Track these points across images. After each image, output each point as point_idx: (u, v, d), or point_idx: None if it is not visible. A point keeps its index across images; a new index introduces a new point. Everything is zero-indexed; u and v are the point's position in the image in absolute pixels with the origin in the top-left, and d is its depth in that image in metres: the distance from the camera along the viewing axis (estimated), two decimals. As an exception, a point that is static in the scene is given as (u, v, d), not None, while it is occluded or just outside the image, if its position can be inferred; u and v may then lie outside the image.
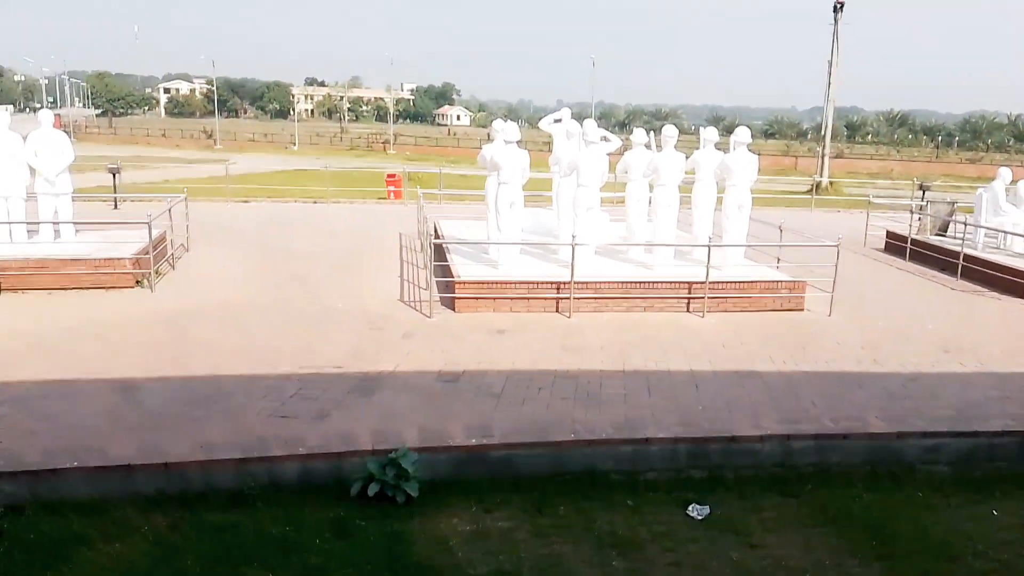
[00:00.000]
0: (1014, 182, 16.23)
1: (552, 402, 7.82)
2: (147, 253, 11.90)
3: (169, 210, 13.80)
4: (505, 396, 7.92)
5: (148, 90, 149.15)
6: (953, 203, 19.19)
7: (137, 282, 11.85)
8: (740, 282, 11.90)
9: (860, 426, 7.50)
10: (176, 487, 6.30)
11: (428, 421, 7.21)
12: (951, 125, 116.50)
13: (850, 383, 8.75)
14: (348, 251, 15.37)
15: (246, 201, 23.38)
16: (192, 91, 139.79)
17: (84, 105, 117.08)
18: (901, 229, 18.00)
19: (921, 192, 23.84)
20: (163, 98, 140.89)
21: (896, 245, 17.72)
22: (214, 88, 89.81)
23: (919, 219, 18.17)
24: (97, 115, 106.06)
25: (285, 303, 11.28)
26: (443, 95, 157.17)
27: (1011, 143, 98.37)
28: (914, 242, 17.04)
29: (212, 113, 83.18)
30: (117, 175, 20.15)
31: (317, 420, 7.16)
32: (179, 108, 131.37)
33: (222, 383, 8.00)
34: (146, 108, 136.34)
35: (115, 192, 19.81)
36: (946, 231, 17.92)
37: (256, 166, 39.24)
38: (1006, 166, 17.62)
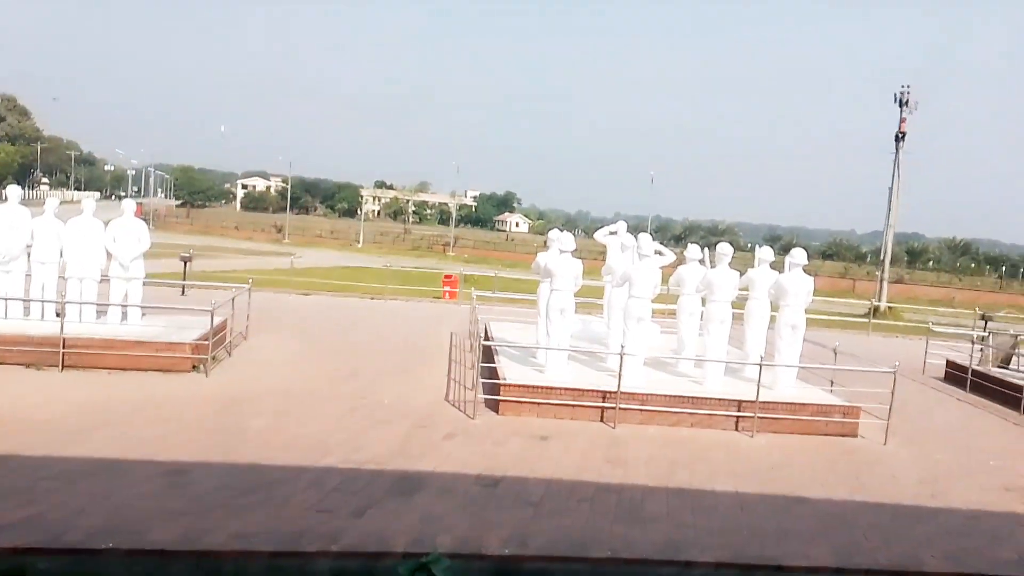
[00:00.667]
0: (1083, 317, 15.73)
1: (592, 516, 7.67)
2: (207, 339, 12.31)
3: (232, 299, 14.33)
4: (544, 506, 7.81)
5: (227, 185, 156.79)
6: (1016, 335, 18.62)
7: (194, 367, 12.22)
8: (792, 403, 11.64)
9: (916, 564, 7.13)
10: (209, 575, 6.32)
11: (463, 526, 7.14)
12: (1016, 256, 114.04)
13: (906, 517, 8.37)
14: (400, 348, 15.62)
15: (307, 294, 24.09)
16: (268, 188, 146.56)
17: (166, 196, 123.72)
18: (962, 359, 17.47)
19: (983, 322, 23.23)
20: (240, 193, 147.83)
21: (956, 375, 17.16)
22: (288, 186, 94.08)
23: (981, 350, 17.64)
24: (177, 206, 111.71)
25: (335, 395, 11.46)
26: (504, 202, 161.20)
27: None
28: (975, 373, 16.49)
29: (284, 209, 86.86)
30: (188, 263, 21.10)
31: (354, 517, 7.16)
32: (254, 203, 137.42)
33: (267, 472, 8.10)
34: (223, 201, 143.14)
35: (184, 279, 20.69)
36: (1009, 363, 17.32)
37: (321, 260, 40.60)
38: (1074, 300, 17.15)
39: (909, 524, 8.18)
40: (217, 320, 12.95)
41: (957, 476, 10.07)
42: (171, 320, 13.63)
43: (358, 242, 68.34)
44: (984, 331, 20.68)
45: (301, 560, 6.49)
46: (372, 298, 24.59)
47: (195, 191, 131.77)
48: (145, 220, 18.84)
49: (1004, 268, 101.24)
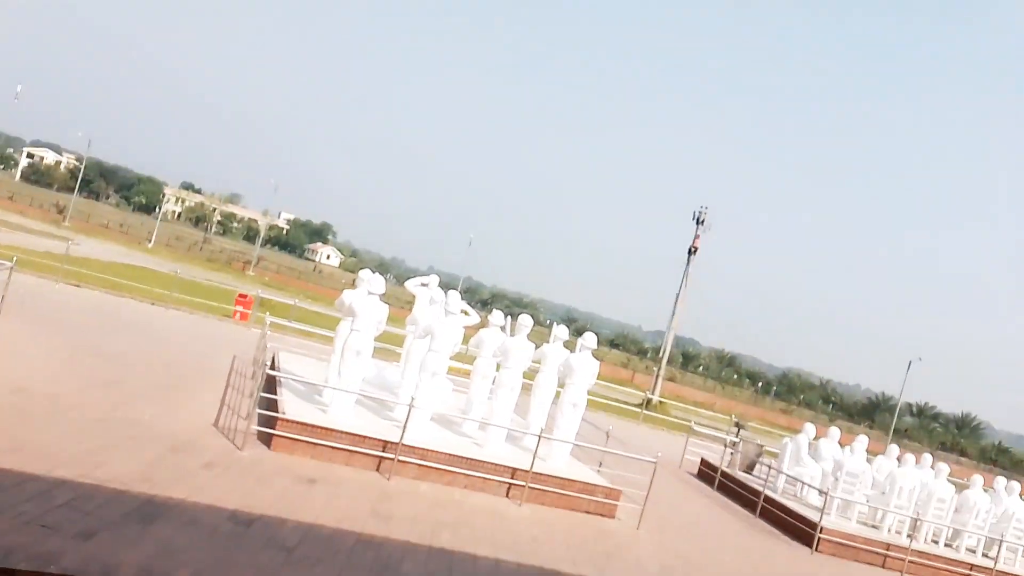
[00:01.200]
0: (816, 438, 17.80)
1: (346, 568, 7.38)
2: (-56, 314, 10.74)
3: (-13, 275, 12.67)
4: (297, 552, 7.42)
5: (10, 150, 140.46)
6: (761, 445, 20.67)
7: (-80, 343, 10.58)
8: (562, 478, 12.05)
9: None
10: None
11: (205, 564, 6.60)
12: (771, 376, 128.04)
13: (644, 601, 8.84)
14: (173, 363, 14.48)
15: (77, 286, 21.82)
16: (57, 163, 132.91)
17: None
18: (714, 459, 19.10)
19: (736, 429, 25.62)
20: (24, 162, 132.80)
21: (707, 473, 18.71)
22: (82, 165, 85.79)
23: (731, 454, 19.39)
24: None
25: (84, 402, 10.32)
26: (318, 232, 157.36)
27: (819, 403, 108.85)
28: (723, 474, 18.06)
29: (72, 189, 78.87)
30: (-60, 225, 18.44)
31: (81, 538, 6.39)
32: (38, 176, 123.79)
33: (-18, 476, 7.07)
34: (1, 167, 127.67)
35: (-69, 242, 18.05)
36: (752, 470, 19.16)
37: (102, 253, 37.03)
38: (812, 423, 19.38)
39: (646, 608, 8.65)
40: (-38, 295, 11.36)
41: (694, 568, 10.83)
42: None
43: (149, 241, 63.33)
44: (736, 437, 22.77)
45: (5, 581, 5.67)
46: (152, 303, 22.74)
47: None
48: None
49: (760, 384, 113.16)
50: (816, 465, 17.13)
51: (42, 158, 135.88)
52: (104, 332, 15.58)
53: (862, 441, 16.71)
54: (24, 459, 7.72)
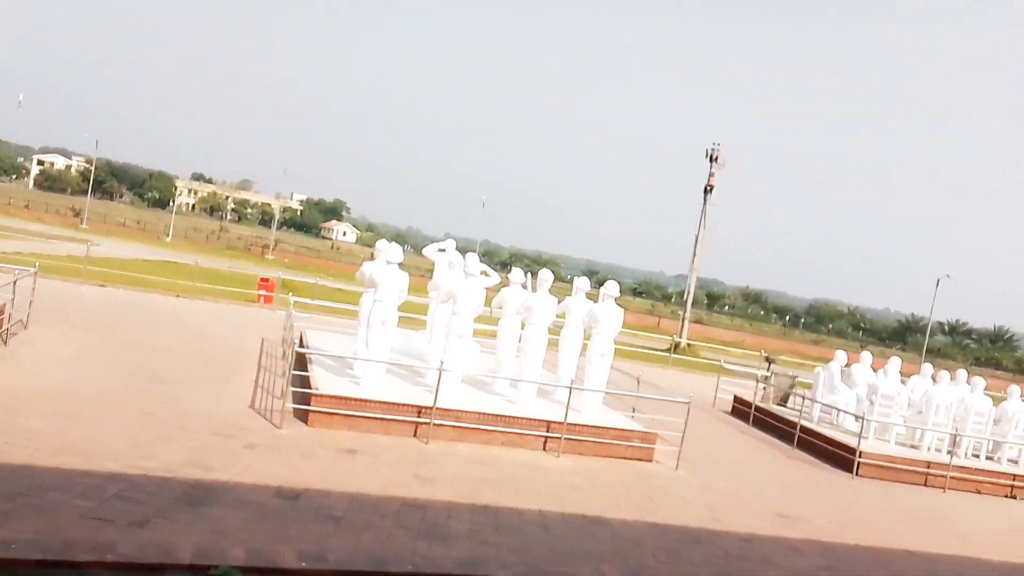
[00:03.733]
0: (848, 365, 17.75)
1: (394, 532, 7.54)
2: (-22, 325, 10.94)
3: (14, 283, 12.85)
4: (346, 521, 7.58)
5: (21, 159, 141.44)
6: (794, 377, 20.67)
7: (-41, 354, 10.81)
8: (596, 427, 12.17)
9: (695, 582, 7.63)
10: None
11: (258, 540, 6.77)
12: (799, 308, 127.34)
13: (690, 540, 8.95)
14: (205, 351, 14.69)
15: (102, 285, 22.10)
16: (68, 167, 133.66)
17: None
18: (747, 396, 19.13)
19: (767, 363, 25.59)
20: (35, 170, 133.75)
21: (742, 410, 18.76)
22: (92, 167, 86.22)
23: (764, 388, 19.41)
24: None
25: (127, 398, 10.53)
26: (333, 210, 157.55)
27: (849, 330, 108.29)
28: (758, 409, 18.10)
29: (86, 192, 79.39)
30: (-38, 239, 18.70)
31: (135, 526, 6.57)
32: (50, 183, 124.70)
33: (38, 476, 7.26)
34: (14, 177, 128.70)
35: (-44, 256, 18.32)
36: (786, 402, 19.19)
37: (122, 251, 37.39)
38: (843, 350, 19.30)
39: (693, 545, 8.76)
40: (-8, 304, 11.57)
41: (737, 503, 10.94)
42: (-66, 300, 11.99)
43: (167, 236, 63.80)
44: (768, 371, 22.75)
45: (71, 571, 5.85)
46: (177, 296, 23.01)
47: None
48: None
49: (788, 318, 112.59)
50: (850, 391, 17.11)
51: (52, 164, 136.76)
52: (134, 328, 15.82)
53: (895, 363, 16.63)
54: (75, 457, 7.92)
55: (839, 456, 14.72)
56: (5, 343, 12.25)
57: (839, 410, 16.64)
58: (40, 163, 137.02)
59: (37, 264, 14.55)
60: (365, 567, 6.65)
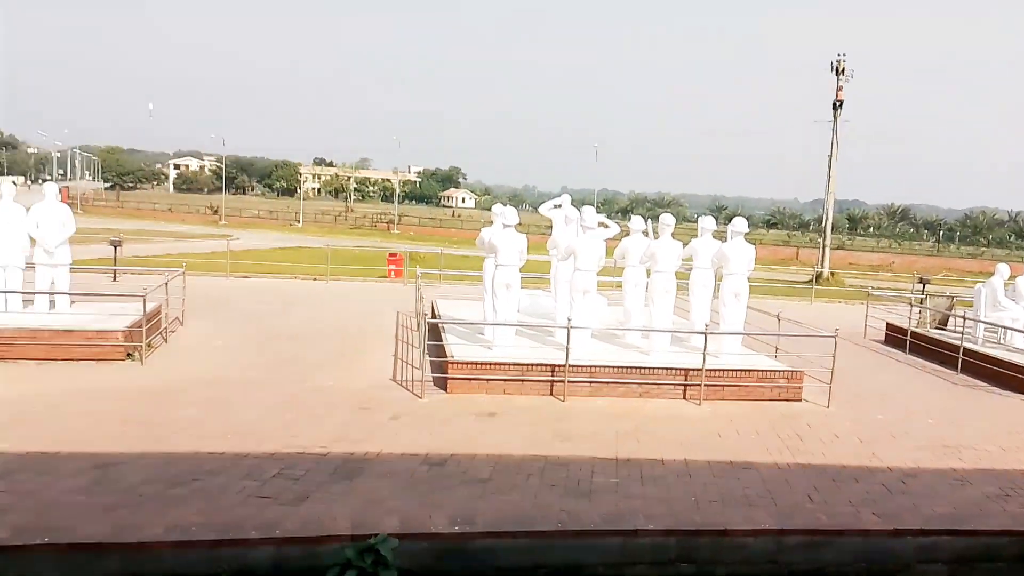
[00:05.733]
0: (1012, 278, 16.28)
1: (540, 491, 7.61)
2: (140, 326, 11.85)
3: (166, 284, 13.83)
4: (492, 483, 7.72)
5: (158, 166, 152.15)
6: (952, 297, 19.21)
7: (128, 355, 11.77)
8: (737, 370, 11.77)
9: (855, 522, 7.26)
10: (147, 569, 6.08)
11: (410, 508, 7.00)
12: (952, 220, 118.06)
13: (847, 478, 8.52)
14: (344, 330, 15.33)
15: (246, 277, 23.51)
16: (201, 168, 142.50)
17: (94, 179, 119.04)
18: (901, 322, 17.95)
19: (921, 285, 23.92)
20: (172, 174, 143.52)
21: (896, 338, 17.64)
22: (223, 165, 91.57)
23: (919, 312, 18.15)
24: (106, 189, 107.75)
25: (275, 381, 11.15)
26: (449, 178, 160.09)
27: (1011, 239, 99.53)
28: (914, 335, 16.96)
29: (220, 190, 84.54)
30: (118, 247, 20.34)
31: (296, 503, 6.95)
32: (187, 184, 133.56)
33: (203, 461, 7.82)
34: (155, 183, 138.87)
35: (115, 264, 19.95)
36: (946, 325, 17.87)
37: (259, 243, 39.63)
38: (1005, 262, 17.72)
39: (849, 483, 8.33)
40: (150, 306, 12.50)
41: (896, 435, 10.31)
42: (102, 307, 13.09)
43: (298, 222, 67.03)
44: (922, 294, 21.28)
45: (242, 549, 6.28)
46: (314, 279, 24.12)
47: (124, 173, 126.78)
48: (72, 204, 18.05)
49: (941, 233, 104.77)
50: (1017, 306, 15.73)
51: (187, 166, 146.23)
52: (278, 314, 16.71)
53: (1067, 271, 15.10)
54: (235, 441, 8.48)
55: (1008, 377, 13.58)
56: (166, 340, 13.25)
57: (1005, 328, 15.33)
58: (176, 167, 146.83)
59: (184, 264, 15.60)
60: (514, 527, 6.74)
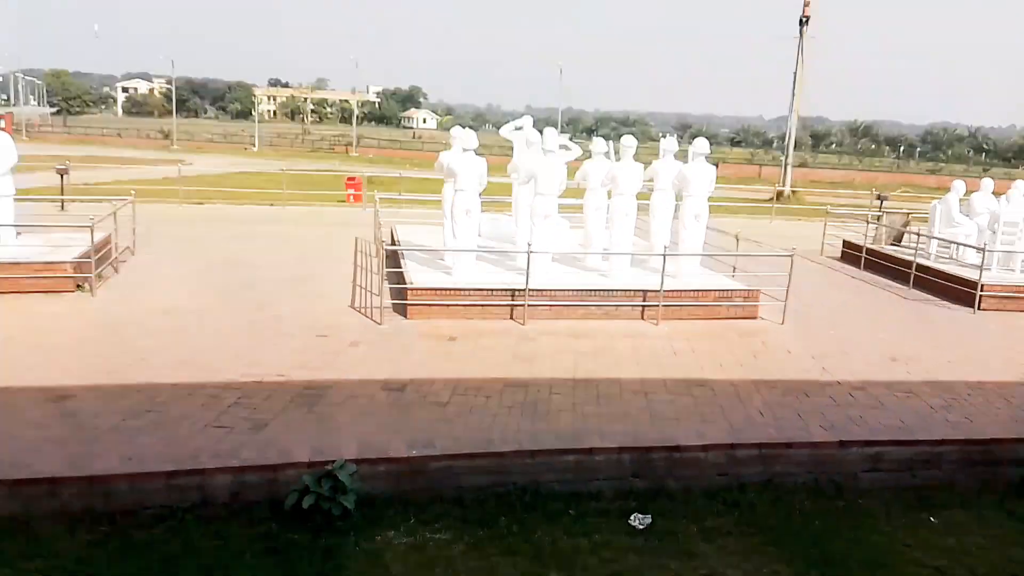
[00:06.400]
0: (968, 194, 16.53)
1: (499, 412, 7.70)
2: (89, 257, 11.55)
3: (115, 213, 13.43)
4: (451, 406, 7.79)
5: (106, 89, 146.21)
6: (908, 214, 19.50)
7: (78, 287, 11.50)
8: (695, 291, 11.91)
9: (804, 435, 7.50)
10: (102, 502, 6.06)
11: (369, 433, 7.05)
12: (914, 136, 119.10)
13: (797, 392, 8.77)
14: (301, 256, 15.13)
15: (200, 204, 22.97)
16: (151, 90, 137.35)
17: (39, 104, 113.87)
18: (858, 239, 18.22)
19: (879, 202, 24.23)
20: (121, 97, 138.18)
21: (852, 255, 17.93)
22: (173, 87, 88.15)
23: (875, 229, 18.42)
24: (52, 114, 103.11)
25: (231, 310, 11.01)
26: (410, 98, 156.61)
27: (970, 155, 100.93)
28: (869, 252, 17.25)
29: (171, 113, 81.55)
30: (65, 175, 19.63)
31: (254, 431, 6.96)
32: (137, 108, 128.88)
33: (158, 393, 7.75)
34: (103, 107, 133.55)
35: (62, 193, 19.30)
36: (900, 241, 18.19)
37: (213, 167, 38.55)
38: (961, 179, 17.95)
39: (800, 398, 8.58)
40: (99, 236, 12.15)
41: (848, 350, 10.59)
42: (49, 238, 12.68)
43: (253, 146, 65.16)
44: (879, 211, 21.57)
45: (200, 478, 6.29)
46: (270, 205, 23.66)
47: (71, 97, 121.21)
48: (16, 131, 17.29)
49: (902, 149, 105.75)
50: (971, 222, 16.03)
51: (136, 89, 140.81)
52: (233, 241, 16.41)
53: (1019, 187, 15.39)
54: (190, 371, 8.40)
55: (959, 292, 13.95)
56: (116, 271, 12.96)
57: (958, 244, 15.66)
58: (124, 90, 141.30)
59: (133, 192, 15.12)
60: (471, 450, 6.84)
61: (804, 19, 39.58)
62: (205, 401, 7.57)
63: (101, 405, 7.39)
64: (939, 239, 16.09)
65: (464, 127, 13.89)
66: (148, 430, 6.86)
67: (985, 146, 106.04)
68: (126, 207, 14.25)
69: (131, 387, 7.87)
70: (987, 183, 16.42)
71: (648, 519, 6.28)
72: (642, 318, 11.57)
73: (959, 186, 16.56)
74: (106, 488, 6.10)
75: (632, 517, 6.29)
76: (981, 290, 13.31)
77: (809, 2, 39.47)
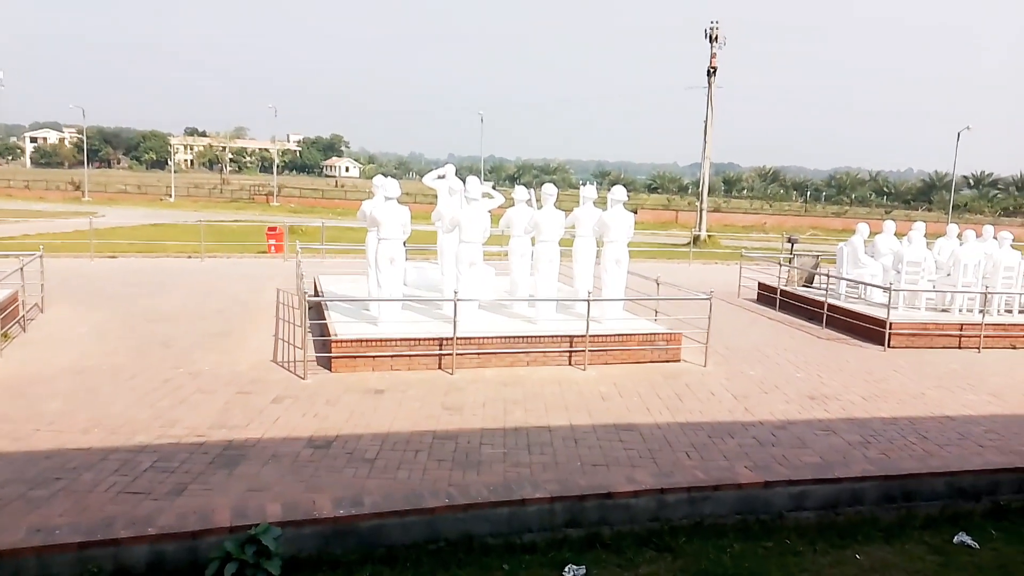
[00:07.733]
0: (872, 236, 17.43)
1: (428, 466, 7.58)
2: (-8, 316, 10.96)
3: (22, 268, 12.81)
4: (379, 461, 7.63)
5: (13, 139, 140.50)
6: (817, 256, 20.40)
7: (-20, 347, 10.87)
8: (619, 335, 12.09)
9: (730, 476, 7.64)
10: (6, 579, 5.66)
11: (295, 493, 6.83)
12: (819, 181, 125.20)
13: (722, 433, 8.95)
14: (220, 310, 14.71)
15: (113, 256, 22.12)
16: (61, 140, 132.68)
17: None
18: (771, 281, 18.93)
19: (789, 244, 25.26)
20: (29, 147, 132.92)
21: (767, 296, 18.60)
22: (84, 136, 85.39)
23: (787, 271, 19.18)
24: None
25: (146, 369, 10.58)
26: (331, 147, 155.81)
27: (872, 197, 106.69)
28: (783, 293, 17.93)
29: (82, 164, 78.82)
30: (-33, 230, 18.67)
31: (172, 496, 6.64)
32: (46, 158, 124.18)
33: (68, 458, 7.33)
34: (10, 158, 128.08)
35: (-36, 248, 18.34)
36: (812, 282, 18.98)
37: (127, 219, 37.32)
38: (865, 221, 18.93)
39: (724, 439, 8.75)
40: (5, 293, 11.58)
41: (768, 390, 10.90)
42: (-54, 297, 12.00)
43: (169, 196, 63.53)
44: (790, 253, 22.47)
45: (114, 548, 5.93)
46: (188, 257, 23.00)
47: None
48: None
49: (808, 193, 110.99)
50: (875, 263, 16.86)
51: (45, 139, 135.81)
52: (148, 295, 15.85)
53: (919, 228, 16.30)
54: (102, 434, 7.99)
55: (869, 330, 14.61)
56: (24, 329, 12.32)
57: (865, 284, 16.43)
58: (33, 140, 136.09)
59: (41, 247, 14.49)
60: (402, 506, 6.69)
61: (712, 70, 41.49)
62: (118, 466, 7.19)
63: (7, 474, 6.93)
64: (847, 280, 16.86)
65: (387, 176, 13.90)
66: (56, 499, 6.46)
67: (886, 189, 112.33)
68: (34, 262, 13.61)
69: (39, 453, 7.42)
70: (889, 225, 17.36)
71: (582, 570, 6.24)
72: (570, 363, 11.67)
73: (863, 228, 17.46)
74: (14, 563, 5.70)
75: (567, 569, 6.24)
76: (890, 328, 13.97)
77: (715, 54, 41.47)
